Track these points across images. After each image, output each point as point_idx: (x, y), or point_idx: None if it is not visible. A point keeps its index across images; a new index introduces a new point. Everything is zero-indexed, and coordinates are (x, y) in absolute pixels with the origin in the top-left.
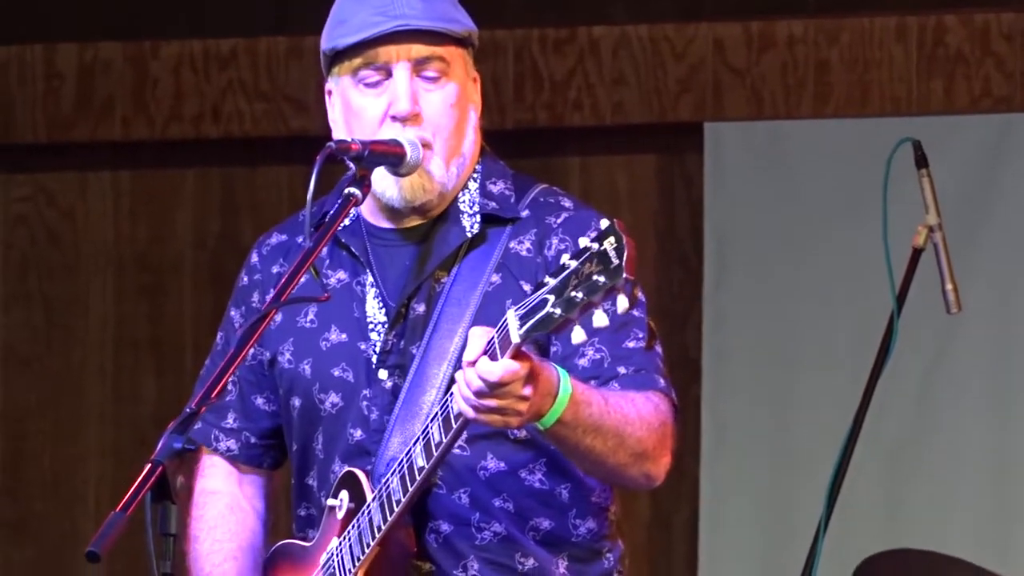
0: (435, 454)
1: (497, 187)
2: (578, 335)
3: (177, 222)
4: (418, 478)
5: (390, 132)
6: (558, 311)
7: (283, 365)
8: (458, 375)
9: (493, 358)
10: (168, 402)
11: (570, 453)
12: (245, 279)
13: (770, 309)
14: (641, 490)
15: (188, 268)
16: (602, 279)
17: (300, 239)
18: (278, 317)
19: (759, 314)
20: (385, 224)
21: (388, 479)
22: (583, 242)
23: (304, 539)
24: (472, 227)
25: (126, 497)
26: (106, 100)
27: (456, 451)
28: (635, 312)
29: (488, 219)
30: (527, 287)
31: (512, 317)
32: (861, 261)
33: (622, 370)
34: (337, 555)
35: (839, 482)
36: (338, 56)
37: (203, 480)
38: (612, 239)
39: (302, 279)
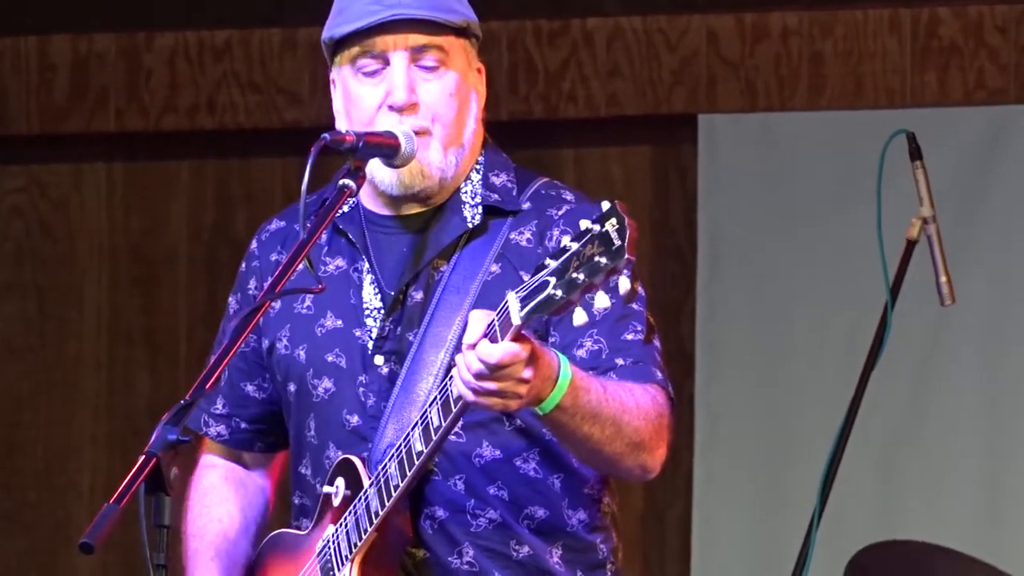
0: (434, 439)
1: (500, 179)
2: (579, 317)
3: (171, 214)
4: (416, 463)
5: (387, 121)
6: (559, 293)
7: (280, 352)
8: (458, 358)
9: (493, 341)
10: (162, 393)
11: (567, 440)
12: (244, 266)
13: (764, 301)
14: (636, 481)
15: (182, 260)
16: (604, 260)
17: (298, 226)
18: (276, 304)
19: (753, 306)
20: (384, 211)
21: (386, 465)
22: (584, 224)
23: (299, 528)
24: (473, 218)
25: (120, 488)
26: (100, 92)
27: (452, 438)
28: (634, 305)
29: (489, 210)
30: (527, 277)
31: (513, 299)
32: (855, 253)
33: (620, 361)
34: (333, 542)
35: (832, 474)
36: (339, 46)
37: (202, 459)
38: (614, 220)
39: (298, 268)
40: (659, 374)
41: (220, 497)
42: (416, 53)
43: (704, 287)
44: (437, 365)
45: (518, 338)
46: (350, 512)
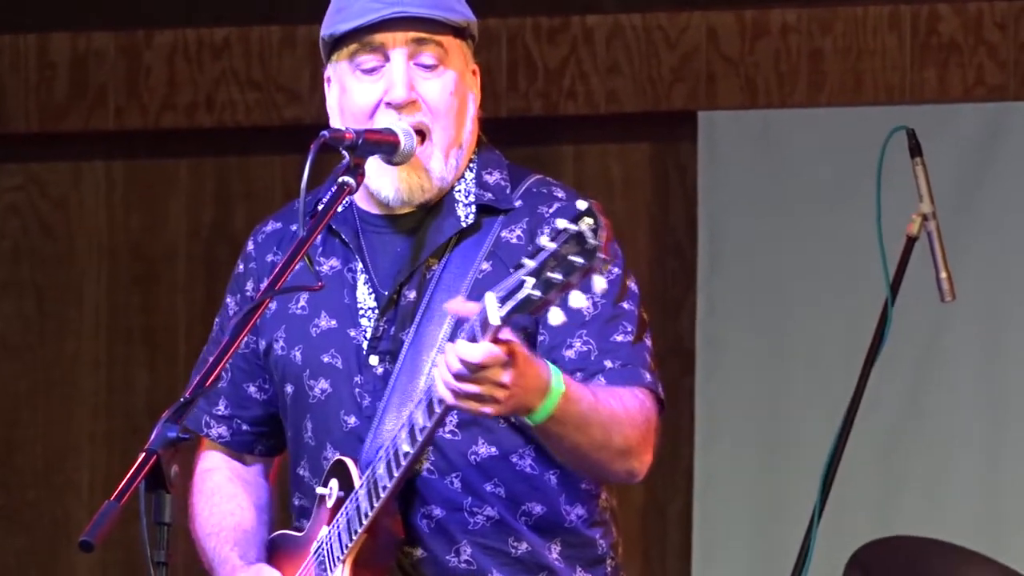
0: (419, 439)
1: (493, 177)
2: (556, 316)
3: (170, 212)
4: (403, 464)
5: (385, 119)
6: (537, 293)
7: (276, 352)
8: (438, 358)
9: (473, 341)
10: (161, 391)
11: (556, 448)
12: (240, 267)
13: (764, 298)
14: (622, 484)
15: (181, 258)
16: (579, 260)
17: (294, 227)
18: (272, 305)
19: (753, 303)
20: (377, 211)
21: (375, 466)
22: (561, 223)
23: (298, 529)
24: (467, 217)
25: (120, 486)
26: (99, 90)
27: (447, 436)
28: (625, 304)
29: (482, 209)
30: None
31: (491, 299)
32: (855, 250)
33: (608, 364)
34: (327, 543)
35: (833, 470)
36: (337, 43)
37: (202, 462)
38: (589, 220)
39: (296, 267)
40: (648, 376)
41: (228, 494)
42: (416, 49)
43: (704, 283)
44: (429, 364)
45: (497, 340)
46: (342, 513)
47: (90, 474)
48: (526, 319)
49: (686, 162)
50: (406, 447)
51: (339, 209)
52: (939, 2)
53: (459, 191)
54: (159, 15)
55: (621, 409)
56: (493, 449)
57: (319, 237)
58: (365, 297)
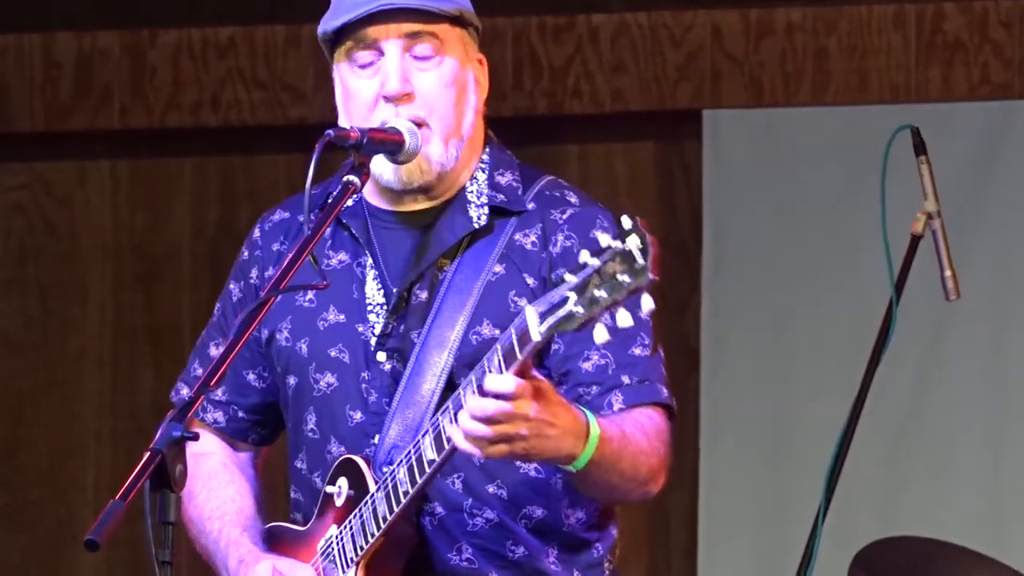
0: (446, 448)
1: (505, 178)
2: (600, 334)
3: (175, 211)
4: (428, 471)
5: (384, 113)
6: (581, 309)
7: (280, 343)
8: (461, 415)
9: (510, 358)
10: (166, 390)
11: (584, 485)
12: (245, 253)
13: (769, 297)
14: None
15: (186, 257)
16: (627, 279)
17: (302, 218)
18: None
19: (758, 302)
20: (387, 206)
21: (394, 470)
22: (604, 240)
23: (295, 523)
24: (479, 218)
25: (125, 485)
26: (104, 89)
27: None
28: (641, 314)
29: (495, 211)
30: (531, 280)
31: (532, 313)
32: (860, 248)
33: (626, 379)
34: (338, 543)
35: (838, 469)
36: (336, 42)
37: (193, 445)
38: (636, 238)
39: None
40: (664, 391)
41: (225, 479)
42: (410, 42)
43: (709, 283)
44: (440, 366)
45: (525, 376)
46: (355, 515)
47: (94, 473)
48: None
49: (691, 161)
50: (431, 454)
51: (349, 203)
52: (944, 1)
53: (471, 191)
54: (164, 15)
55: (644, 439)
56: None
57: (328, 230)
58: (374, 293)
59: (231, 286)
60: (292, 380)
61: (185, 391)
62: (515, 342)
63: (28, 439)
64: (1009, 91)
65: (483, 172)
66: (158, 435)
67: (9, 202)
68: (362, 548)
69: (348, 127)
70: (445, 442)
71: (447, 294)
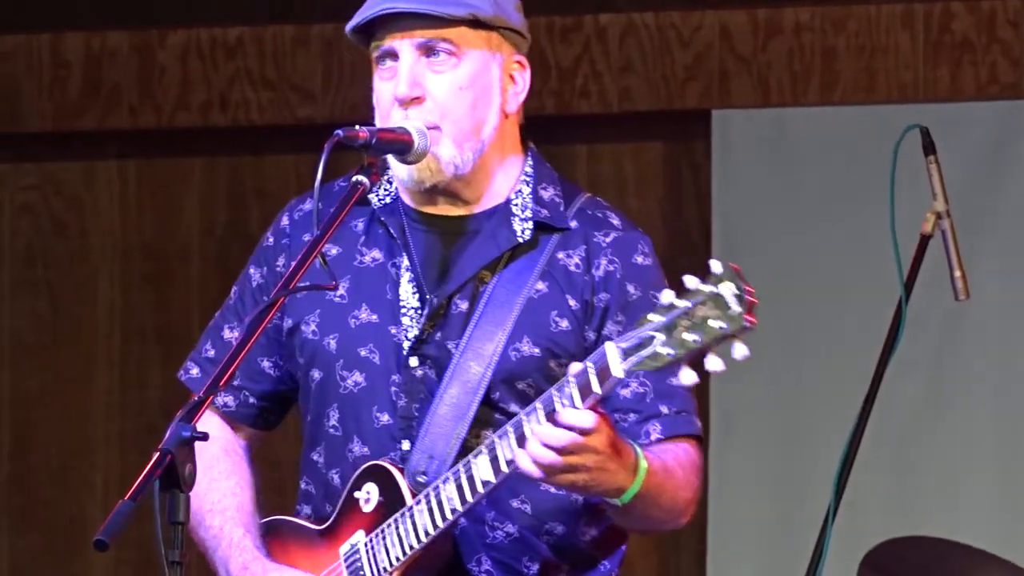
0: (505, 470)
1: (548, 193)
2: (688, 376)
3: (184, 211)
4: (481, 491)
5: (398, 116)
6: (669, 351)
7: (306, 335)
8: (530, 445)
9: (586, 392)
10: (175, 390)
11: (626, 518)
12: (271, 239)
13: (778, 297)
14: None
15: (195, 257)
16: (720, 324)
17: (333, 210)
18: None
19: (767, 302)
20: (423, 208)
21: (441, 486)
22: (691, 282)
23: (307, 518)
24: (523, 232)
25: (135, 486)
26: (113, 89)
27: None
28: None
29: (538, 226)
30: (573, 302)
31: (613, 349)
32: (869, 248)
33: (664, 409)
34: (367, 551)
35: (847, 470)
36: (365, 41)
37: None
38: (731, 285)
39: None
40: (698, 424)
41: (226, 469)
42: (423, 46)
43: None
44: (478, 379)
45: (594, 407)
46: (390, 524)
47: (104, 473)
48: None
49: (699, 161)
50: (487, 475)
51: (387, 200)
52: (952, 0)
53: (516, 204)
54: (173, 15)
55: (682, 473)
56: None
57: (361, 225)
58: (408, 296)
59: (251, 270)
60: (317, 374)
61: (195, 371)
62: (593, 377)
63: (38, 439)
64: (1017, 91)
65: (527, 185)
66: (167, 435)
67: (18, 202)
68: (398, 559)
69: (357, 127)
70: (504, 465)
71: (487, 307)
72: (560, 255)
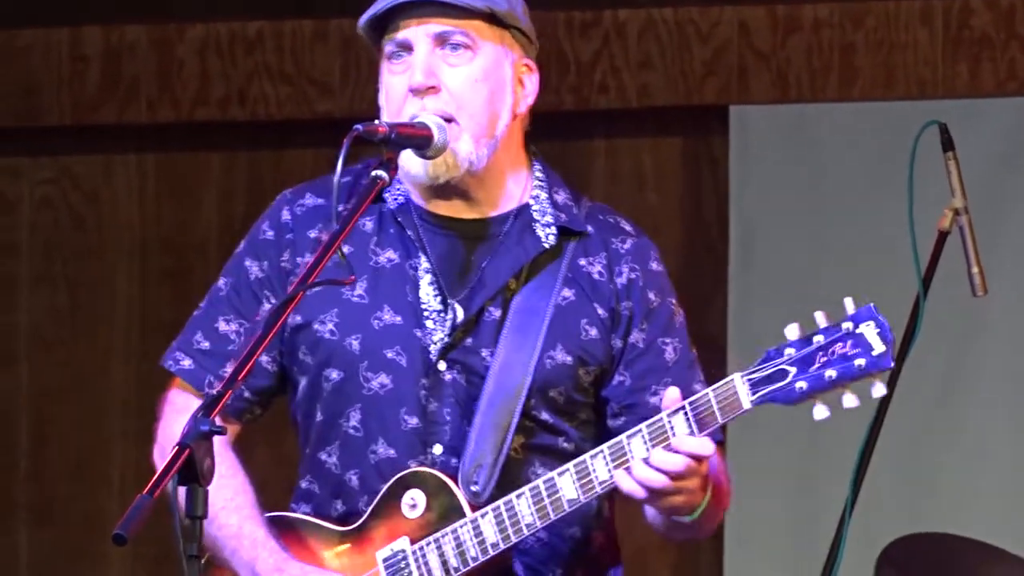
0: (597, 490)
1: (560, 197)
2: (820, 413)
3: (203, 205)
4: (566, 509)
5: (412, 107)
6: (804, 385)
7: (321, 335)
8: (635, 465)
9: (708, 421)
10: None
11: (686, 531)
12: (271, 234)
13: (795, 292)
14: None
15: (213, 252)
16: (862, 363)
17: (340, 207)
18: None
19: (784, 297)
20: (436, 209)
21: (514, 500)
22: (821, 320)
23: (299, 512)
24: (548, 238)
25: (153, 480)
26: (132, 83)
27: (514, 455)
28: (693, 348)
29: (560, 231)
30: (601, 311)
31: (740, 382)
32: (887, 244)
33: None
34: (418, 559)
35: (864, 466)
36: (376, 39)
37: (183, 416)
38: (872, 324)
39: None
40: (721, 431)
41: (230, 466)
42: (440, 38)
43: (736, 278)
44: (518, 387)
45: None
46: (446, 535)
47: (122, 468)
48: (606, 356)
49: (718, 156)
50: (572, 493)
51: (401, 199)
52: None
53: (536, 210)
54: (191, 9)
55: (725, 480)
56: (547, 471)
57: (371, 225)
58: (430, 298)
59: (247, 263)
60: (336, 375)
61: (188, 362)
62: (716, 407)
63: (56, 434)
64: None
65: (543, 190)
66: (185, 430)
67: (37, 196)
68: (456, 570)
69: (376, 122)
70: (598, 486)
71: (518, 315)
72: (582, 261)
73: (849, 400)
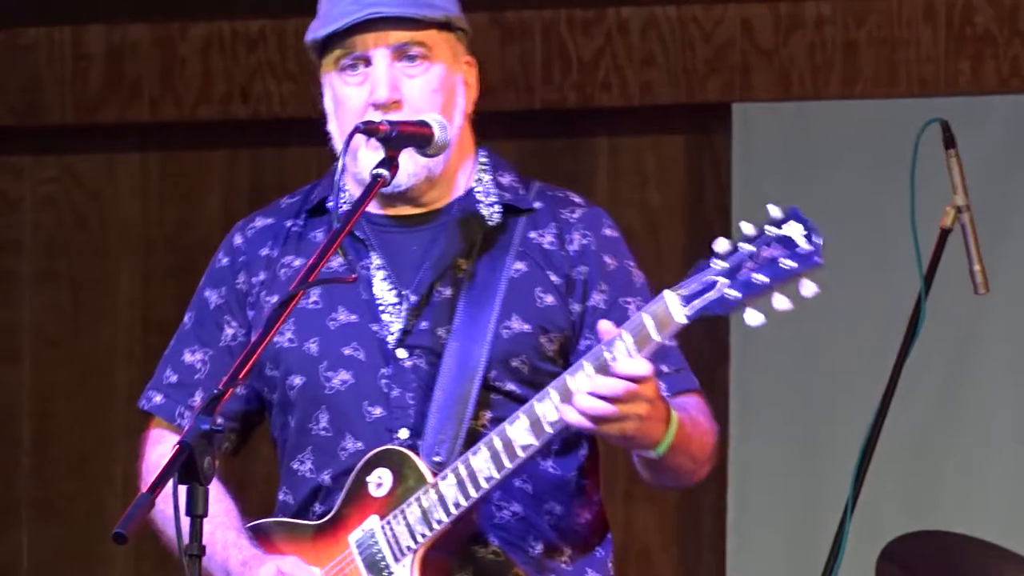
0: (548, 431)
1: (506, 179)
2: (753, 318)
3: (205, 204)
4: (521, 455)
5: (373, 119)
6: (735, 293)
7: (281, 345)
8: (576, 391)
9: (644, 342)
10: None
11: (659, 471)
12: (225, 260)
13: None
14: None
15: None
16: (791, 264)
17: (289, 223)
18: (272, 299)
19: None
20: (380, 211)
21: (470, 457)
22: (747, 228)
23: (317, 515)
24: (492, 216)
25: (154, 479)
26: (134, 81)
27: (482, 430)
28: None
29: (505, 209)
30: (554, 278)
31: (672, 297)
32: (889, 242)
33: (664, 368)
34: (385, 532)
35: (866, 463)
36: (323, 50)
37: (160, 446)
38: (798, 225)
39: (327, 261)
40: (695, 378)
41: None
42: (398, 50)
43: None
44: (476, 360)
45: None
46: (410, 504)
47: (125, 466)
48: (567, 322)
49: (720, 154)
50: (526, 439)
51: (345, 207)
52: None
53: (479, 192)
54: (194, 7)
55: (704, 420)
56: None
57: (321, 235)
58: (384, 293)
59: (206, 293)
60: (298, 380)
61: (159, 398)
62: (651, 326)
63: (59, 432)
64: None
65: (487, 173)
66: (186, 429)
67: (40, 195)
68: (424, 536)
69: (378, 120)
70: (547, 426)
71: (471, 291)
72: (532, 234)
73: (780, 302)
